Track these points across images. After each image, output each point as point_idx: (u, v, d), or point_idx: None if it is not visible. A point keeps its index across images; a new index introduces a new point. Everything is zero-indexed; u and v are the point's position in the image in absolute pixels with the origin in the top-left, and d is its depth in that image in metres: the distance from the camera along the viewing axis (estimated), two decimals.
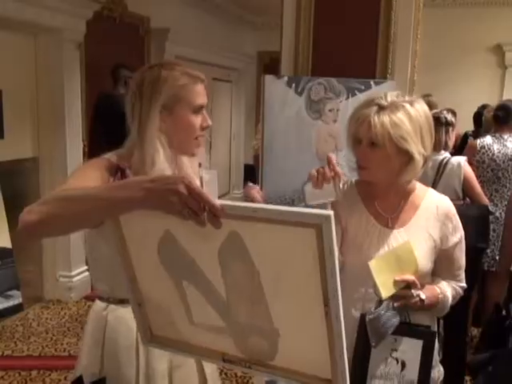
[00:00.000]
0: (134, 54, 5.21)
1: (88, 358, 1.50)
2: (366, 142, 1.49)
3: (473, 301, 3.71)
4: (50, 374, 3.26)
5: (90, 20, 4.18)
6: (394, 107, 1.47)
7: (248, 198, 1.48)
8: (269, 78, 2.64)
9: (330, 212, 0.85)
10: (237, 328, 1.08)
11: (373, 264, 1.43)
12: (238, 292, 1.03)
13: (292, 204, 2.63)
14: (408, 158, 1.48)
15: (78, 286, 4.39)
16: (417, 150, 1.46)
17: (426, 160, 1.52)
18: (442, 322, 3.41)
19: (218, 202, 0.90)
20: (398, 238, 1.55)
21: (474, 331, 3.90)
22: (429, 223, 1.56)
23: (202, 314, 1.10)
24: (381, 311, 1.45)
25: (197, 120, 1.46)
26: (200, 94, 1.46)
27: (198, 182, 1.57)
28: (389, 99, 1.48)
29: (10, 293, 3.77)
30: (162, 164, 1.40)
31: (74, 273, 4.36)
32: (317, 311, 0.96)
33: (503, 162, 3.44)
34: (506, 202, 3.45)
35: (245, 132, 8.26)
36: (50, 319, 4.06)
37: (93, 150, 4.47)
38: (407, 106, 1.48)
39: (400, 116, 1.45)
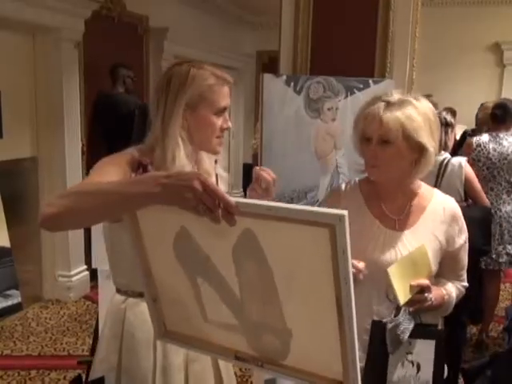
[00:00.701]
0: (133, 54, 5.21)
1: (106, 350, 1.51)
2: (377, 139, 1.46)
3: (495, 301, 3.73)
4: (49, 374, 3.26)
5: (89, 19, 4.18)
6: (402, 102, 1.46)
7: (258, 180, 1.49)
8: (267, 77, 2.64)
9: (345, 212, 0.84)
10: (250, 326, 1.09)
11: (392, 271, 1.41)
12: (251, 290, 1.03)
13: (291, 203, 2.63)
14: (418, 154, 1.46)
15: (77, 286, 4.39)
16: (429, 142, 1.45)
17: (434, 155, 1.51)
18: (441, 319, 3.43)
19: (233, 200, 0.90)
20: (404, 240, 1.53)
21: (473, 329, 3.91)
22: (435, 225, 1.55)
23: (216, 311, 1.10)
24: (400, 318, 1.44)
25: (218, 121, 1.48)
26: (225, 96, 1.48)
27: (214, 179, 1.59)
28: (395, 96, 1.48)
29: (8, 292, 3.77)
30: (182, 160, 1.42)
31: (73, 272, 4.36)
32: (330, 314, 0.95)
33: (499, 160, 3.45)
34: (502, 201, 3.45)
35: (244, 131, 8.26)
36: (49, 319, 4.06)
37: (92, 149, 4.47)
38: (414, 101, 1.47)
39: (411, 110, 1.45)
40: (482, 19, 6.40)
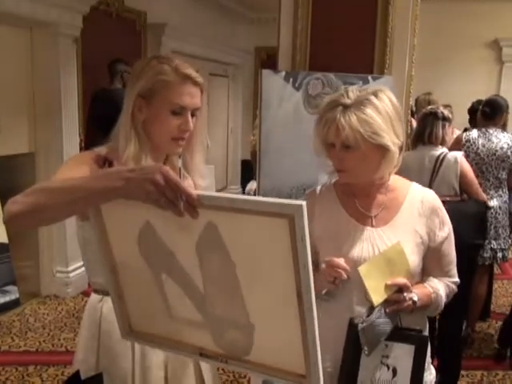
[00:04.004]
0: (131, 49, 5.19)
1: (84, 351, 1.50)
2: (339, 145, 1.43)
3: (482, 297, 3.73)
4: (47, 370, 3.26)
5: (87, 15, 4.17)
6: (358, 103, 1.41)
7: None
8: (266, 73, 2.63)
9: (303, 202, 0.85)
10: (214, 322, 1.09)
11: (363, 270, 1.38)
12: (214, 285, 1.04)
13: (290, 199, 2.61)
14: (384, 151, 1.43)
15: (75, 282, 4.39)
16: (391, 141, 1.42)
17: (401, 148, 1.48)
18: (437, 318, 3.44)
19: (195, 192, 0.91)
20: (382, 237, 1.49)
21: (485, 327, 3.94)
22: (414, 219, 1.51)
23: (181, 307, 1.11)
24: (373, 319, 1.40)
25: (174, 120, 1.41)
26: (185, 94, 1.40)
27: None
28: (351, 96, 1.43)
29: (6, 288, 3.76)
30: (133, 148, 1.39)
31: (70, 268, 4.36)
32: (290, 304, 0.96)
33: (487, 156, 3.47)
34: (489, 196, 3.47)
35: (242, 127, 8.25)
36: (46, 314, 4.06)
37: (90, 144, 4.46)
38: (372, 98, 1.42)
39: (367, 111, 1.40)
40: (481, 16, 6.40)
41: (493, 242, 3.46)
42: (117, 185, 0.93)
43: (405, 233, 1.50)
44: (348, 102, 1.42)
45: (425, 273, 1.56)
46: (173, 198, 0.90)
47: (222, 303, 1.05)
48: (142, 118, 1.42)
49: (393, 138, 1.42)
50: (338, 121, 1.40)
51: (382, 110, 1.42)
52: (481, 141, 3.49)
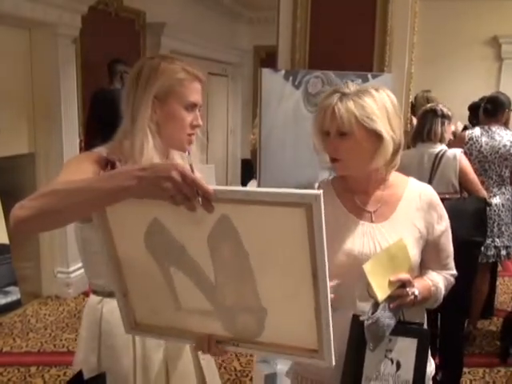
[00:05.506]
0: (130, 49, 5.20)
1: (85, 351, 1.50)
2: (334, 132, 1.44)
3: (483, 294, 3.73)
4: (49, 370, 3.26)
5: (86, 15, 4.17)
6: (357, 93, 1.44)
7: None
8: (266, 72, 2.63)
9: (320, 191, 0.89)
10: (225, 309, 1.11)
11: (367, 267, 1.39)
12: (226, 274, 1.06)
13: None
14: (379, 140, 1.43)
15: (76, 282, 4.39)
16: (385, 129, 1.42)
17: (398, 146, 1.48)
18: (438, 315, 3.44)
19: (211, 187, 0.93)
20: (383, 232, 1.50)
21: (487, 324, 3.93)
22: (412, 214, 1.52)
23: (190, 298, 1.12)
24: (379, 315, 1.40)
25: (188, 116, 1.46)
26: (195, 91, 1.46)
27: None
28: (351, 88, 1.46)
29: (7, 289, 3.77)
30: (150, 151, 1.40)
31: (71, 269, 4.36)
32: (305, 285, 1.00)
33: (490, 154, 3.46)
34: (492, 194, 3.47)
35: (242, 126, 8.25)
36: (48, 315, 4.06)
37: (89, 145, 4.46)
38: (371, 90, 1.45)
39: (365, 99, 1.42)
40: (481, 13, 6.39)
41: (496, 239, 3.46)
42: (130, 184, 0.94)
43: (404, 228, 1.51)
44: (347, 90, 1.45)
45: (423, 266, 1.58)
46: (190, 195, 0.91)
47: (234, 291, 1.07)
48: (155, 119, 1.44)
49: (387, 128, 1.43)
50: (334, 104, 1.43)
51: (379, 101, 1.44)
52: (484, 139, 3.48)
